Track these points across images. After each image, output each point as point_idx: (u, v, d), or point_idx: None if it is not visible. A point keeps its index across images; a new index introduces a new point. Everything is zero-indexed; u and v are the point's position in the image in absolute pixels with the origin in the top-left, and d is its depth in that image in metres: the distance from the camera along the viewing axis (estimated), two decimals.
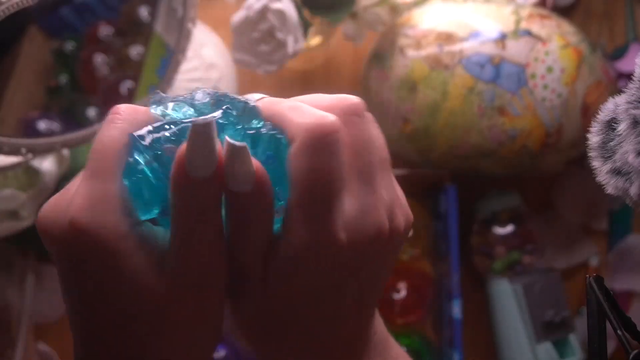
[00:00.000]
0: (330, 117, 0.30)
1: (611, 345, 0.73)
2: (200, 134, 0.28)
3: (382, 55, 0.73)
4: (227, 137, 0.30)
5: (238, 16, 0.68)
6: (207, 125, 0.28)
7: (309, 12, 0.70)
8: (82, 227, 0.28)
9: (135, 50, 0.72)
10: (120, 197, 0.29)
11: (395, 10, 0.74)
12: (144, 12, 0.72)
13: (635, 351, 0.33)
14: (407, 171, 0.74)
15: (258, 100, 0.33)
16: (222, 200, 0.30)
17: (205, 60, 0.78)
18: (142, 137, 0.30)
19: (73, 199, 0.29)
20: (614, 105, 0.37)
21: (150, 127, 0.31)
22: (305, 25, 0.69)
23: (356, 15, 0.73)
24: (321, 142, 0.29)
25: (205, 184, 0.29)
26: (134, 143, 0.30)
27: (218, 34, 0.83)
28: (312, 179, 0.29)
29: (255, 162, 0.29)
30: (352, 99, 0.31)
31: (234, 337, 0.76)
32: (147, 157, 0.30)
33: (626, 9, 0.84)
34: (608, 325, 0.35)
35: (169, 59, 0.69)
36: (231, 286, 0.32)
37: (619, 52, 0.82)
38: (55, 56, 0.71)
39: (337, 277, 0.31)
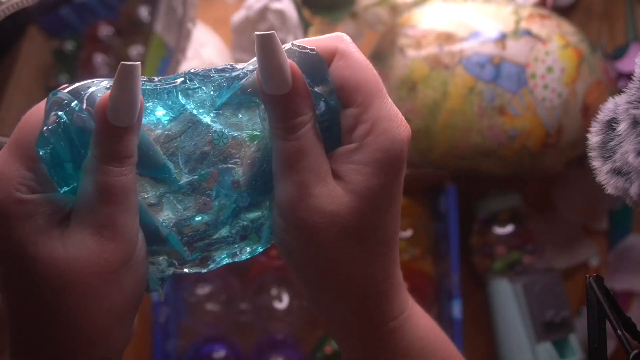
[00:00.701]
0: (340, 33, 0.33)
1: (611, 345, 0.73)
2: (126, 78, 0.29)
3: (382, 55, 0.73)
4: (255, 33, 0.30)
5: (238, 16, 0.68)
6: (134, 67, 0.29)
7: (309, 12, 0.70)
8: None
9: (135, 50, 0.72)
10: (22, 166, 0.30)
11: (395, 10, 0.74)
12: (144, 12, 0.72)
13: (635, 351, 0.33)
14: (407, 171, 0.74)
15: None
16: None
17: (205, 60, 0.78)
18: (61, 97, 0.30)
19: None
20: (614, 105, 0.37)
21: (77, 84, 0.30)
22: (305, 25, 0.69)
23: (356, 15, 0.72)
24: (356, 48, 0.32)
25: (125, 133, 0.30)
26: (53, 106, 0.30)
27: (218, 34, 0.83)
28: (373, 76, 0.32)
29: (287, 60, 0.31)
30: (342, 34, 0.33)
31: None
32: (64, 117, 0.30)
33: (626, 9, 0.84)
34: (608, 325, 0.35)
35: (169, 59, 0.69)
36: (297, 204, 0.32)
37: (619, 52, 0.82)
38: (55, 56, 0.71)
39: (399, 180, 0.34)
